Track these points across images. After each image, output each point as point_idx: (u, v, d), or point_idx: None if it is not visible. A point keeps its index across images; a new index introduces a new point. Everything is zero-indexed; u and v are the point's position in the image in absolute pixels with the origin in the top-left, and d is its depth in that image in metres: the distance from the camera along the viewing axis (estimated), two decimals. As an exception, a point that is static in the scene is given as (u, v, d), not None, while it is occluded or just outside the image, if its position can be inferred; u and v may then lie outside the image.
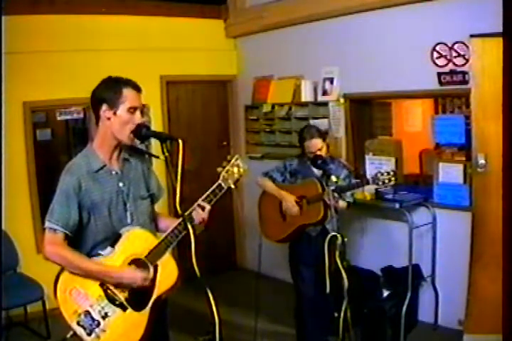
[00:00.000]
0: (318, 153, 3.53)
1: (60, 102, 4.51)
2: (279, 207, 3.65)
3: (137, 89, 2.19)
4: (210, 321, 1.98)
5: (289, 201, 3.57)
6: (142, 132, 2.16)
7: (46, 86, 4.40)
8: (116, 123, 2.15)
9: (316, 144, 3.52)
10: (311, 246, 3.60)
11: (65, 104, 4.62)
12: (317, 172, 3.62)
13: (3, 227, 4.08)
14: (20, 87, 4.24)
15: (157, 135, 2.17)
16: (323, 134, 3.64)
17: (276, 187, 3.67)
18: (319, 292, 3.52)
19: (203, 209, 2.24)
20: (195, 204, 2.23)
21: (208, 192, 2.26)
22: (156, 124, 4.97)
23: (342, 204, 3.54)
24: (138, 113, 2.17)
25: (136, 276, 2.14)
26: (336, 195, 3.33)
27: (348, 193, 3.61)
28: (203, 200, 2.25)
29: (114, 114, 2.14)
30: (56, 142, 5.71)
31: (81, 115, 4.84)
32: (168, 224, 2.35)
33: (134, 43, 4.84)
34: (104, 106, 2.15)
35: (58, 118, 4.85)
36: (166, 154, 2.03)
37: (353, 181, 3.59)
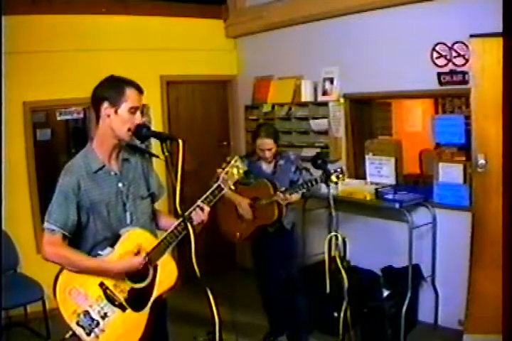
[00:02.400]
0: (268, 153, 3.63)
1: (60, 102, 4.51)
2: (236, 209, 3.71)
3: (139, 90, 2.20)
4: (210, 321, 1.98)
5: (243, 205, 3.66)
6: (142, 132, 2.17)
7: (46, 86, 4.40)
8: (116, 120, 2.15)
9: (268, 144, 3.61)
10: (269, 240, 3.71)
11: (65, 104, 4.62)
12: (268, 170, 3.73)
13: (3, 227, 4.08)
14: (20, 87, 4.24)
15: (157, 135, 2.17)
16: (277, 136, 3.72)
17: (231, 192, 3.54)
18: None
19: (202, 210, 2.24)
20: (195, 206, 2.22)
21: (207, 193, 2.26)
22: (156, 124, 4.98)
23: (295, 197, 3.62)
24: (138, 113, 2.18)
25: (132, 261, 2.14)
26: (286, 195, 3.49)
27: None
28: (202, 202, 2.25)
29: (115, 112, 2.15)
30: (56, 142, 5.70)
31: (81, 115, 4.83)
32: (168, 222, 2.36)
33: (134, 43, 4.84)
34: (106, 104, 2.15)
35: (58, 118, 4.85)
36: (166, 154, 2.03)
37: (302, 181, 3.63)
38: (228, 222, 3.79)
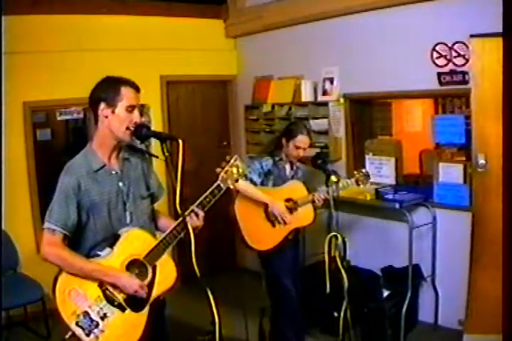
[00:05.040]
0: (302, 152, 3.47)
1: (60, 102, 4.51)
2: (265, 213, 3.44)
3: (136, 88, 2.19)
4: (211, 321, 1.98)
5: (281, 207, 3.39)
6: (142, 132, 2.17)
7: (46, 86, 4.41)
8: (114, 121, 2.15)
9: (308, 142, 3.49)
10: (286, 250, 3.51)
11: (65, 104, 4.62)
12: (287, 172, 3.60)
13: (3, 227, 4.08)
14: (20, 87, 4.25)
15: (157, 135, 2.18)
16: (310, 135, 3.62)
17: (261, 193, 3.40)
18: (298, 301, 3.49)
19: (197, 215, 2.21)
20: (189, 210, 2.19)
21: (206, 193, 2.26)
22: (156, 124, 4.98)
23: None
24: (136, 112, 2.17)
25: (132, 283, 2.14)
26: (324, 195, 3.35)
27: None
28: (199, 203, 2.24)
29: (113, 112, 2.15)
30: (56, 142, 5.71)
31: (81, 115, 4.84)
32: (167, 223, 2.35)
33: (134, 43, 4.84)
34: (103, 105, 2.15)
35: (58, 118, 4.85)
36: (166, 154, 2.03)
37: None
38: (256, 230, 3.42)
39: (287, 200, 3.46)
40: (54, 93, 4.41)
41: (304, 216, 3.47)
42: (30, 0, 4.32)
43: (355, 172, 3.56)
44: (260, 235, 3.45)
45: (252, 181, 3.42)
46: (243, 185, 3.27)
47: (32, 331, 4.13)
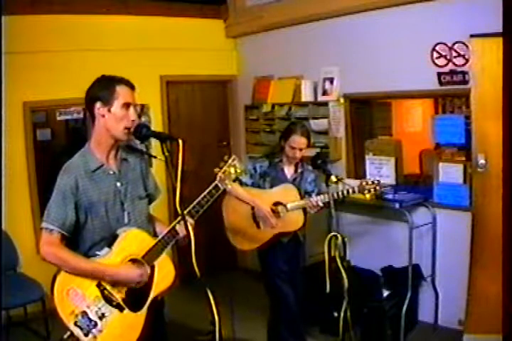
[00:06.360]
0: (298, 153, 3.41)
1: (60, 102, 4.51)
2: (251, 213, 3.44)
3: (130, 86, 2.21)
4: (211, 321, 1.98)
5: (266, 211, 3.36)
6: (142, 132, 2.17)
7: (46, 86, 4.40)
8: (111, 119, 2.16)
9: (303, 142, 3.41)
10: (284, 253, 3.50)
11: (65, 104, 4.62)
12: (289, 175, 3.55)
13: (3, 227, 4.08)
14: (20, 87, 4.25)
15: (157, 135, 2.18)
16: (310, 138, 3.55)
17: (249, 195, 3.40)
18: (297, 303, 3.46)
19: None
20: (179, 219, 2.15)
21: (204, 193, 2.26)
22: (156, 124, 4.98)
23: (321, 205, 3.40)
24: (132, 109, 2.18)
25: (132, 273, 2.14)
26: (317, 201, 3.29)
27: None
28: (197, 203, 2.23)
29: (109, 111, 2.16)
30: (56, 142, 5.70)
31: (81, 115, 4.84)
32: (163, 230, 2.33)
33: (134, 43, 4.84)
34: (99, 104, 2.16)
35: (58, 118, 4.85)
36: (166, 154, 2.03)
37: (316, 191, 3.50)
38: (240, 230, 3.46)
39: (276, 204, 3.41)
40: (54, 93, 4.40)
41: (292, 221, 3.41)
42: (30, 0, 4.32)
43: (363, 183, 3.38)
44: (243, 235, 3.47)
45: (240, 182, 3.41)
46: (231, 186, 3.25)
47: (32, 331, 4.13)
